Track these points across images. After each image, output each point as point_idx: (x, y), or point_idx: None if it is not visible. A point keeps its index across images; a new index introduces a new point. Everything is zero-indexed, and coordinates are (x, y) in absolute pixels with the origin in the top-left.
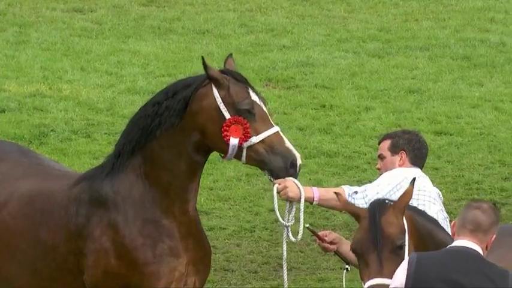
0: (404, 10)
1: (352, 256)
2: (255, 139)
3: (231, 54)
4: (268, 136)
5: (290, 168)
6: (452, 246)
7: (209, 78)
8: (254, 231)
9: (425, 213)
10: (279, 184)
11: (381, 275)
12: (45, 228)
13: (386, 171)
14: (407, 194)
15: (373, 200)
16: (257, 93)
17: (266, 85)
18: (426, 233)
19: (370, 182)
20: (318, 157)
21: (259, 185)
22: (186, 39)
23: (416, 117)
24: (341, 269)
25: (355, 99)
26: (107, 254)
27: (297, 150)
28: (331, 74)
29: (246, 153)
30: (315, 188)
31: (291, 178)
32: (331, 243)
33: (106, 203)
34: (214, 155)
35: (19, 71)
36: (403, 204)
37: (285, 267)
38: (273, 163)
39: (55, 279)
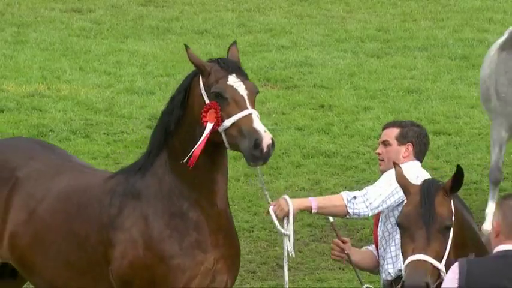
0: (403, 10)
1: (363, 265)
2: (227, 123)
3: (235, 42)
4: (239, 119)
5: (254, 149)
6: (506, 251)
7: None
8: (253, 231)
9: (464, 202)
10: (274, 205)
11: (426, 252)
12: (78, 221)
13: (388, 159)
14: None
15: (425, 179)
16: (243, 80)
17: (265, 85)
18: (466, 223)
19: (369, 182)
20: (317, 157)
21: (257, 185)
22: (184, 39)
23: (414, 117)
24: (339, 268)
25: (354, 99)
26: (135, 244)
27: (270, 133)
28: (330, 74)
29: (226, 139)
30: (312, 198)
31: (284, 196)
32: (343, 249)
33: (139, 196)
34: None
35: (17, 71)
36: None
37: (286, 270)
38: (242, 145)
39: (85, 272)
